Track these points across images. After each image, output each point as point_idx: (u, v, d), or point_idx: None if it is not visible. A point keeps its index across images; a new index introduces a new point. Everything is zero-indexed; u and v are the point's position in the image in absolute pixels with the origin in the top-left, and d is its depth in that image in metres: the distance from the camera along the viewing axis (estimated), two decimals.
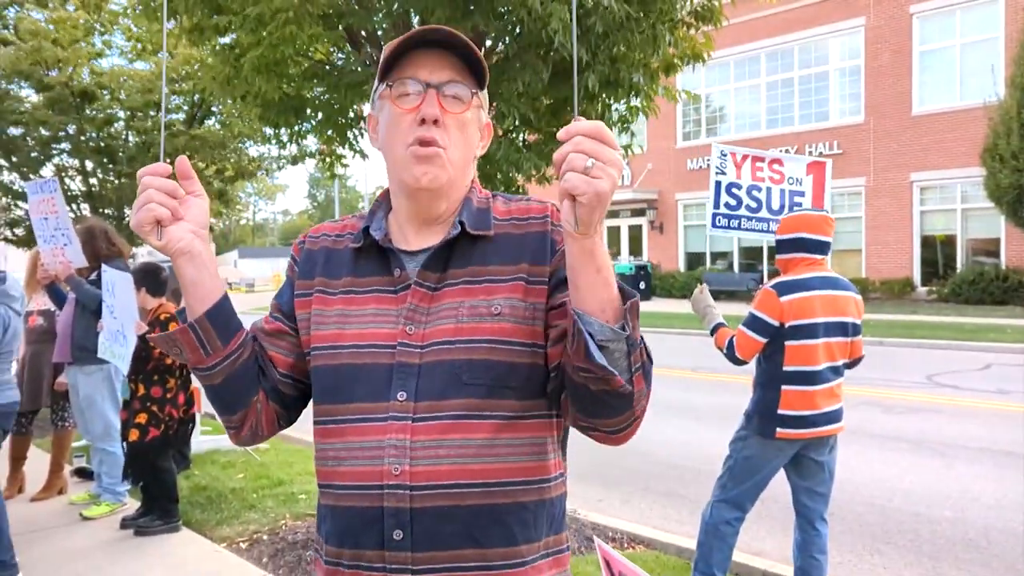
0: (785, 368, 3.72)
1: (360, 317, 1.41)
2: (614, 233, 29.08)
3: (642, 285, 24.90)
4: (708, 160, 25.35)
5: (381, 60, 1.40)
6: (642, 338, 1.22)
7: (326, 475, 1.40)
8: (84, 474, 6.72)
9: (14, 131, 10.07)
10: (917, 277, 21.83)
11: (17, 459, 6.29)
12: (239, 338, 1.42)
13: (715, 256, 26.65)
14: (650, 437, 7.29)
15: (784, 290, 3.73)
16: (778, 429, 3.71)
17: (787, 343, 3.71)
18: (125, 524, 5.37)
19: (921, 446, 7.33)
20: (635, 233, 28.87)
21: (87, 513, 5.67)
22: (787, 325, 3.70)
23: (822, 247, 3.82)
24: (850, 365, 3.91)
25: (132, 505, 5.77)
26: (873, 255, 22.51)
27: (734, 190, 4.50)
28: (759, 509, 4.11)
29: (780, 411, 3.71)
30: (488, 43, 4.97)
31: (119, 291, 5.07)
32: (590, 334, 1.16)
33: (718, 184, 4.48)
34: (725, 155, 4.49)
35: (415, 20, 4.63)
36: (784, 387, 3.71)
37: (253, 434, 1.51)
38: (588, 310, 1.17)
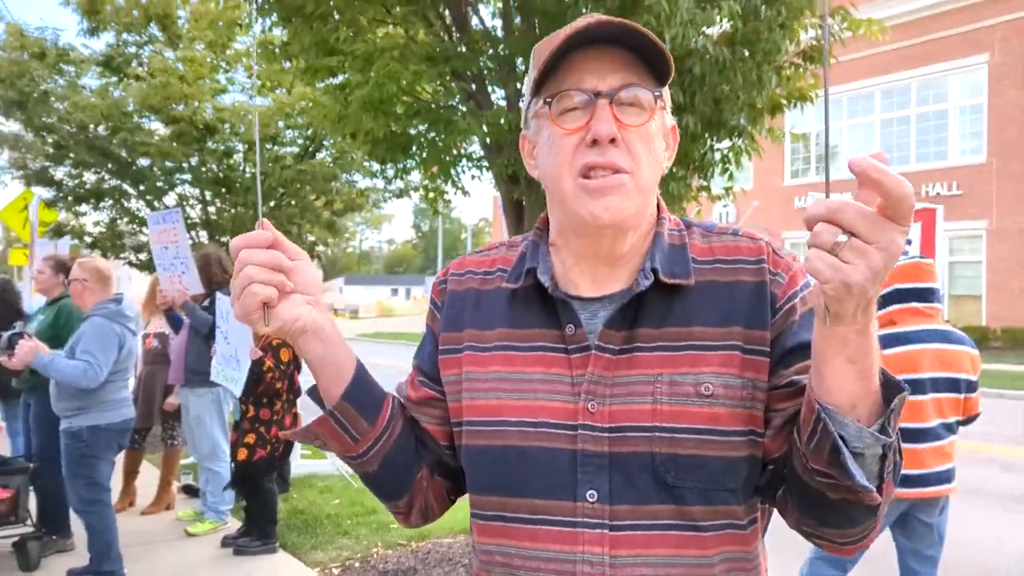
0: None
1: (525, 384, 1.13)
2: None
3: None
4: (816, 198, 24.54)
5: (532, 67, 1.13)
6: (898, 434, 0.98)
7: None
8: (191, 491, 7.00)
9: (143, 162, 10.75)
10: None
11: (130, 473, 6.61)
12: (386, 410, 1.19)
13: None
14: None
15: (888, 343, 3.56)
16: None
17: None
18: (226, 542, 5.56)
19: None
20: None
21: (191, 529, 5.90)
22: None
23: (923, 295, 3.63)
24: (965, 422, 3.69)
25: (233, 524, 5.97)
26: (994, 302, 21.30)
27: None
28: (863, 569, 3.91)
29: None
30: None
31: (233, 317, 5.29)
32: (843, 438, 0.93)
33: None
34: None
35: (519, 62, 4.72)
36: None
37: (424, 516, 1.30)
38: (836, 404, 0.93)
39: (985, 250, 21.57)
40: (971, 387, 3.60)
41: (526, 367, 1.13)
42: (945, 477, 3.55)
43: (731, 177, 5.30)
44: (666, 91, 1.16)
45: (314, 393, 1.20)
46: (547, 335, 1.14)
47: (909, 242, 4.53)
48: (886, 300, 3.71)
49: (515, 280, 1.18)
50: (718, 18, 4.18)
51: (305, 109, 9.26)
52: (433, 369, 1.24)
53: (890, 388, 0.94)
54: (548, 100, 1.11)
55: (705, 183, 5.34)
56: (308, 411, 6.30)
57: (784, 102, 5.21)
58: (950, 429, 3.58)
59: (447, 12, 4.83)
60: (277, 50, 4.87)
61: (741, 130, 4.72)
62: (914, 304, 3.62)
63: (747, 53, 4.53)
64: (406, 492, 1.24)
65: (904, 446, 3.43)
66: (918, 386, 3.50)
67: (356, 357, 1.18)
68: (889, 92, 23.84)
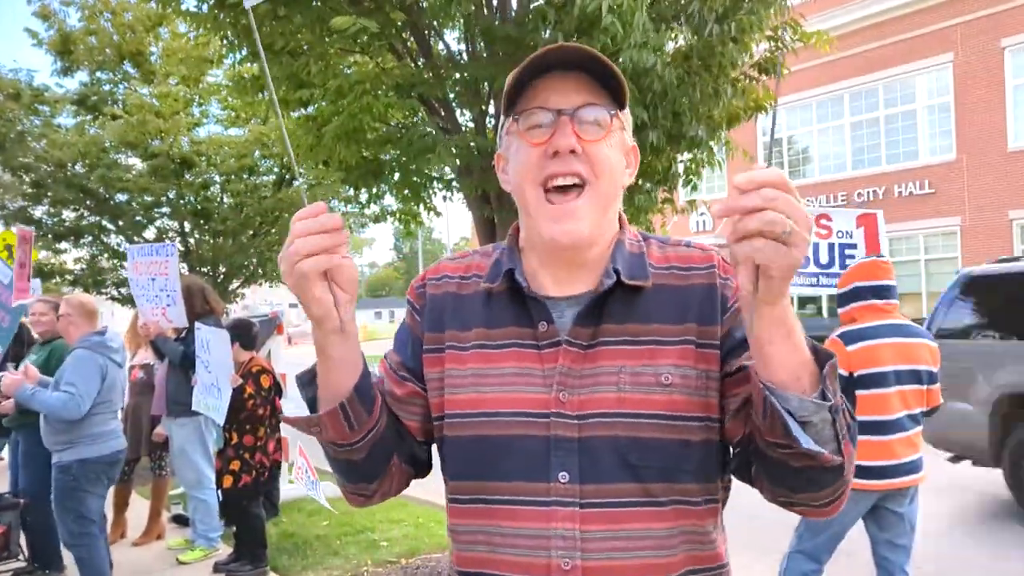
0: (857, 418, 3.67)
1: (499, 378, 1.23)
2: None
3: None
4: None
5: (505, 91, 1.25)
6: (843, 397, 1.09)
7: (478, 562, 1.24)
8: (181, 520, 7.04)
9: (121, 197, 10.85)
10: None
11: (120, 505, 6.65)
12: (379, 401, 1.29)
13: (803, 301, 25.99)
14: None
15: (850, 339, 3.71)
16: (853, 480, 3.66)
17: (857, 392, 3.65)
18: (217, 568, 5.61)
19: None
20: None
21: (182, 558, 5.94)
22: (855, 375, 3.66)
23: (882, 292, 3.79)
24: (927, 414, 3.83)
25: (224, 550, 6.03)
26: None
27: None
28: (840, 561, 4.04)
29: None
30: None
31: (214, 347, 5.38)
32: (788, 411, 1.03)
33: None
34: None
35: (485, 87, 4.87)
36: (858, 437, 3.66)
37: (383, 497, 1.40)
38: (781, 381, 1.03)
39: (959, 247, 21.90)
40: (932, 378, 3.74)
41: (500, 362, 1.24)
42: (914, 467, 3.67)
43: (695, 188, 5.46)
44: (626, 113, 1.29)
45: (304, 381, 1.27)
46: (519, 332, 1.24)
47: (854, 247, 4.76)
48: (846, 298, 3.86)
49: (493, 280, 1.28)
50: (671, 38, 4.34)
51: (280, 137, 9.44)
52: (417, 364, 1.33)
53: (820, 356, 1.05)
54: (516, 116, 1.24)
55: (669, 195, 5.49)
56: (290, 435, 6.33)
57: (741, 113, 5.39)
58: (915, 420, 3.71)
59: (412, 39, 4.98)
60: (249, 83, 4.99)
61: (700, 142, 4.88)
62: (873, 301, 3.77)
63: (703, 68, 4.70)
64: (379, 477, 1.33)
65: (873, 438, 3.62)
66: (882, 379, 3.64)
67: (363, 355, 1.26)
68: (857, 94, 24.22)
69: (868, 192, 23.25)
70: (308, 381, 1.28)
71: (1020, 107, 20.90)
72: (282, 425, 5.93)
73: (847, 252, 4.64)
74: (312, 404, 1.28)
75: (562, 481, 1.17)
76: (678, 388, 1.18)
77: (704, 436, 1.19)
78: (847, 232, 4.68)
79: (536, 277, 1.28)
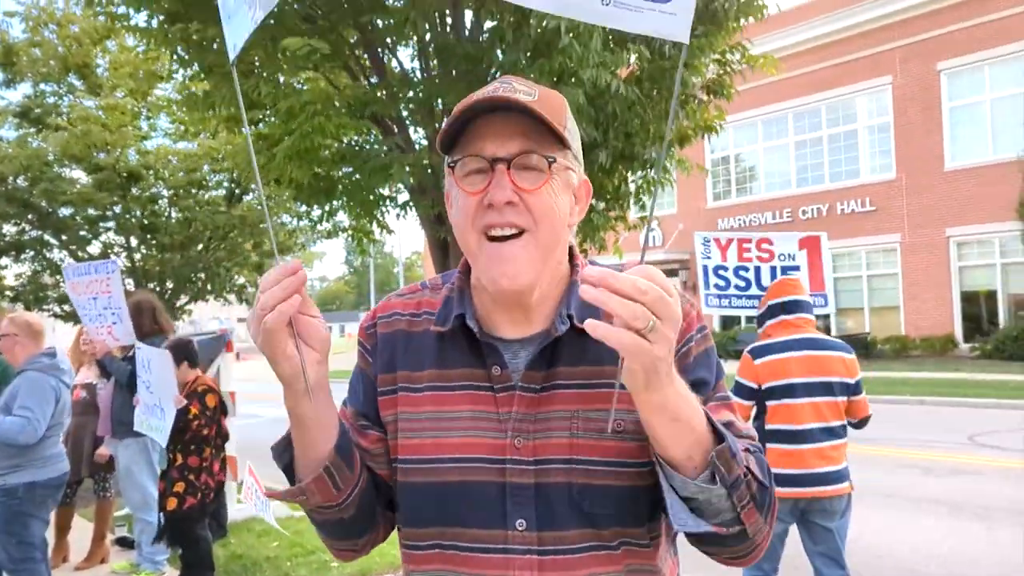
0: (767, 427, 3.80)
1: (456, 422, 1.21)
2: None
3: None
4: (740, 220, 25.59)
5: (442, 131, 1.19)
6: (747, 469, 1.09)
7: None
8: (126, 543, 6.86)
9: (64, 211, 10.59)
10: (959, 334, 21.45)
11: (62, 528, 6.46)
12: (357, 454, 1.26)
13: (750, 316, 26.46)
14: None
15: (758, 353, 3.89)
16: None
17: (767, 403, 3.82)
18: None
19: (962, 509, 7.16)
20: None
21: None
22: (764, 386, 3.81)
23: (791, 307, 3.95)
24: (857, 425, 3.94)
25: (171, 574, 5.89)
26: (912, 312, 22.22)
27: (721, 272, 4.78)
28: (787, 570, 4.12)
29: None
30: None
31: (155, 367, 5.25)
32: (673, 488, 1.05)
33: (705, 268, 4.78)
34: (708, 241, 4.79)
35: (439, 105, 4.89)
36: (769, 445, 3.74)
37: (371, 547, 1.37)
38: (671, 459, 1.04)
39: (900, 263, 22.54)
40: (847, 389, 3.82)
41: (455, 406, 1.21)
42: (833, 478, 3.74)
43: (643, 207, 5.55)
44: (571, 153, 1.21)
45: (279, 449, 1.24)
46: (474, 375, 1.22)
47: (796, 268, 4.91)
48: (763, 318, 4.05)
49: (443, 323, 1.25)
50: (627, 59, 4.43)
51: (229, 154, 9.33)
52: (372, 410, 1.30)
53: (718, 436, 1.05)
54: (451, 164, 1.19)
55: (621, 213, 5.58)
56: (239, 453, 6.23)
57: (691, 133, 5.51)
58: (832, 433, 3.78)
59: (366, 57, 4.98)
60: (200, 99, 4.93)
61: (653, 162, 4.98)
62: (783, 317, 3.96)
63: (655, 90, 4.79)
64: (370, 530, 1.32)
65: (783, 447, 3.72)
66: (790, 390, 3.79)
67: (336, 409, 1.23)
68: (801, 114, 24.84)
69: (812, 209, 23.82)
70: (283, 448, 1.25)
71: (956, 128, 21.63)
72: (228, 444, 5.82)
73: (790, 275, 4.77)
74: (289, 470, 1.25)
75: (519, 529, 1.16)
76: (630, 435, 1.16)
77: (654, 479, 1.15)
78: (790, 255, 4.83)
79: (491, 318, 1.26)
